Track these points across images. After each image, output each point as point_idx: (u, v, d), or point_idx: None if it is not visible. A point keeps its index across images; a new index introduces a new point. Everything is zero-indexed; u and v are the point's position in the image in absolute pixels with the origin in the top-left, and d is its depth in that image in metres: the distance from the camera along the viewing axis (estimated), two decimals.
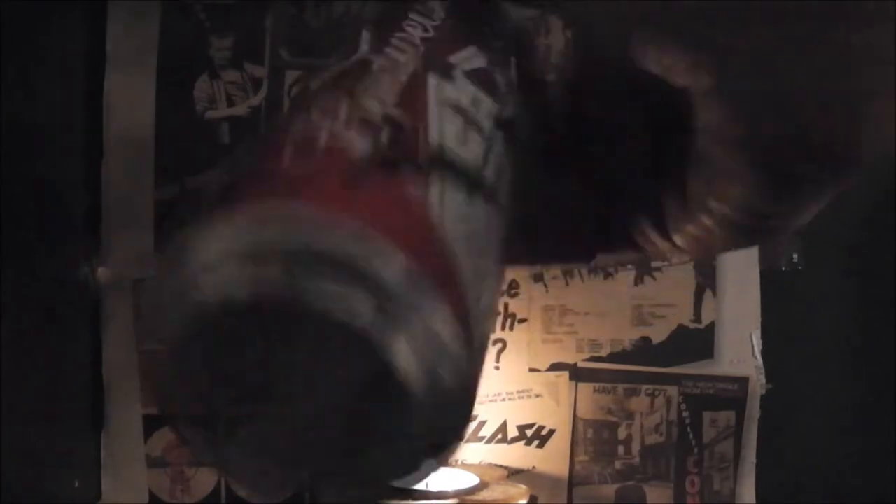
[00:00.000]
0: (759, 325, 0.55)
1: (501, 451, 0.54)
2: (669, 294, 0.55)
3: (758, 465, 0.55)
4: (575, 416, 0.55)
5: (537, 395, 0.55)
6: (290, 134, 0.17)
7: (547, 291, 0.55)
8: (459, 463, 0.54)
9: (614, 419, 0.55)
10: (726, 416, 0.55)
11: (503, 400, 0.53)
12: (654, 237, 0.20)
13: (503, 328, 0.54)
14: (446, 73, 0.20)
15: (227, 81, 0.54)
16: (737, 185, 0.18)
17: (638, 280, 0.55)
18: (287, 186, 0.17)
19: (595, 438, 0.55)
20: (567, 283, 0.55)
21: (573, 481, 0.55)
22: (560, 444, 0.55)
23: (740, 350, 0.55)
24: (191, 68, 0.54)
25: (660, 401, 0.55)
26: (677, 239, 0.20)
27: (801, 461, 0.56)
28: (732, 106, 0.18)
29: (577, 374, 0.55)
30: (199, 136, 0.54)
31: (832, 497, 0.56)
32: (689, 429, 0.55)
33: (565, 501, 0.55)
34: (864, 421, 0.56)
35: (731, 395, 0.55)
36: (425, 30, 0.21)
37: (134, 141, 0.54)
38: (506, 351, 0.54)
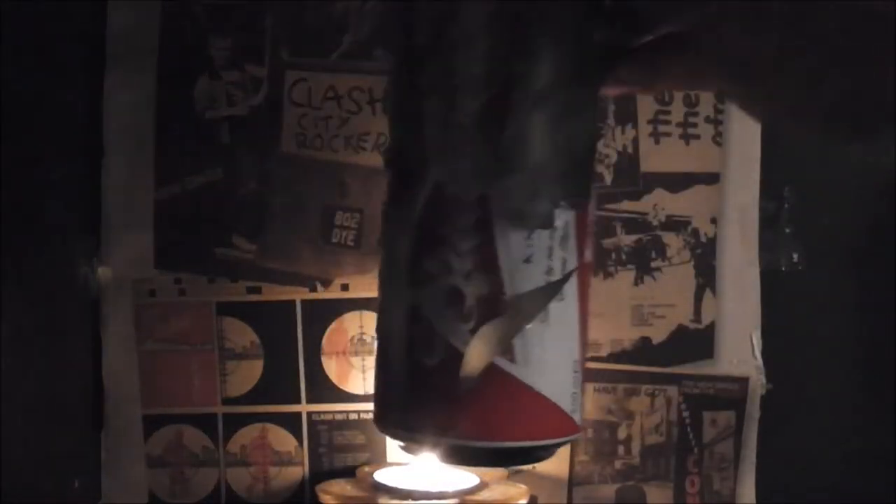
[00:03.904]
0: (759, 325, 0.55)
1: None
2: (669, 294, 0.55)
3: (758, 465, 0.55)
4: None
5: None
6: None
7: None
8: None
9: (614, 419, 0.55)
10: (726, 416, 0.55)
11: None
12: None
13: None
14: None
15: (227, 81, 0.54)
16: None
17: (638, 280, 0.55)
18: None
19: (595, 438, 0.55)
20: None
21: (573, 481, 0.55)
22: None
23: (740, 350, 0.55)
24: (191, 68, 0.54)
25: (660, 401, 0.55)
26: None
27: (801, 461, 0.56)
28: None
29: None
30: (199, 136, 0.54)
31: (832, 497, 0.56)
32: (689, 429, 0.55)
33: (565, 501, 0.55)
34: (864, 421, 0.56)
35: (731, 395, 0.55)
36: None
37: (134, 141, 0.54)
38: None
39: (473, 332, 0.36)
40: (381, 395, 0.40)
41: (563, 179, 0.36)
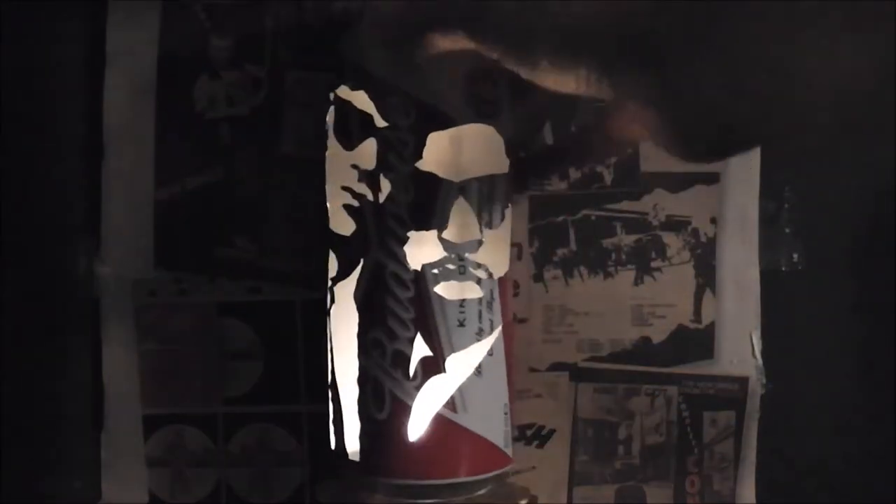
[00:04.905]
0: (759, 325, 0.55)
1: None
2: (669, 294, 0.55)
3: (758, 465, 0.55)
4: (575, 416, 0.55)
5: (537, 395, 0.55)
6: None
7: (547, 291, 0.55)
8: None
9: (614, 419, 0.55)
10: (726, 416, 0.55)
11: None
12: None
13: None
14: None
15: (227, 81, 0.54)
16: None
17: (638, 280, 0.55)
18: None
19: (595, 438, 0.55)
20: (567, 283, 0.55)
21: (573, 481, 0.55)
22: (560, 444, 0.55)
23: (740, 350, 0.55)
24: (191, 68, 0.54)
25: (660, 401, 0.55)
26: None
27: (801, 461, 0.56)
28: None
29: (577, 374, 0.55)
30: (199, 136, 0.54)
31: (832, 497, 0.56)
32: (689, 429, 0.55)
33: (565, 501, 0.55)
34: (864, 421, 0.56)
35: (731, 395, 0.55)
36: None
37: (134, 141, 0.54)
38: None
39: (418, 388, 0.42)
40: (338, 445, 0.44)
41: (486, 252, 0.42)
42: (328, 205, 0.44)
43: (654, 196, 0.55)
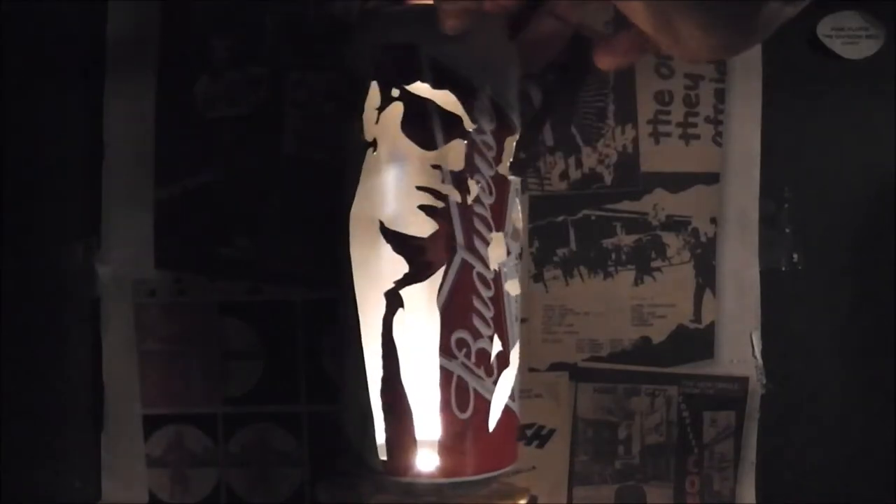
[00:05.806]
0: (759, 325, 0.55)
1: None
2: (669, 294, 0.55)
3: (758, 465, 0.55)
4: (575, 416, 0.55)
5: (537, 395, 0.55)
6: None
7: (547, 291, 0.55)
8: None
9: (614, 419, 0.55)
10: (726, 416, 0.55)
11: None
12: None
13: None
14: None
15: (227, 81, 0.54)
16: None
17: (638, 280, 0.55)
18: None
19: (595, 438, 0.55)
20: (567, 283, 0.55)
21: (573, 481, 0.55)
22: (560, 444, 0.55)
23: (740, 350, 0.55)
24: (191, 68, 0.54)
25: (660, 401, 0.55)
26: None
27: (801, 461, 0.56)
28: None
29: (577, 374, 0.55)
30: (199, 136, 0.54)
31: (832, 497, 0.56)
32: (689, 429, 0.55)
33: (565, 501, 0.55)
34: (864, 421, 0.56)
35: (731, 395, 0.55)
36: None
37: (134, 141, 0.54)
38: None
39: (495, 383, 0.43)
40: (399, 450, 0.42)
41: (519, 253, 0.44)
42: (369, 204, 0.42)
43: (654, 196, 0.55)
